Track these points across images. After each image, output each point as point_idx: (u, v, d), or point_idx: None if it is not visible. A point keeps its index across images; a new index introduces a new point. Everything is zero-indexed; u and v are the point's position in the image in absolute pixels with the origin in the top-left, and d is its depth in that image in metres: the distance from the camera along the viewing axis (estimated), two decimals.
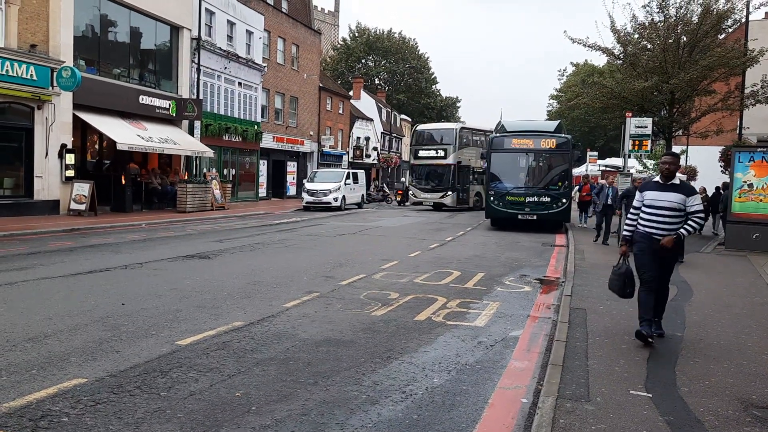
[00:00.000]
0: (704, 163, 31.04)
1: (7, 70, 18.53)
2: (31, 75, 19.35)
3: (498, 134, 22.53)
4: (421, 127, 36.71)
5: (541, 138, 21.42)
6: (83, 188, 20.78)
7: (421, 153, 33.47)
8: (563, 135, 21.96)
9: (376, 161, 58.42)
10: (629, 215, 6.95)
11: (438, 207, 33.06)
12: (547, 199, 20.77)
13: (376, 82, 72.84)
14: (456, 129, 33.14)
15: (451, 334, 6.88)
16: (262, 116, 36.23)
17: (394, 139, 67.07)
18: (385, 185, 50.81)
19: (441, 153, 32.60)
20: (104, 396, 4.63)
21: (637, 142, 20.61)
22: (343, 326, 7.06)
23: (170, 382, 5.00)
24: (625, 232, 6.95)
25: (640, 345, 6.34)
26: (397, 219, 25.97)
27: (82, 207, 20.52)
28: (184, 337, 6.29)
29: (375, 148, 58.93)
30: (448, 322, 7.43)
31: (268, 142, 37.00)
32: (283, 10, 40.57)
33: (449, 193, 32.08)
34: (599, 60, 77.52)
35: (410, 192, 34.05)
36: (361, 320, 7.38)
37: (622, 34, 22.68)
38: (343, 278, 10.33)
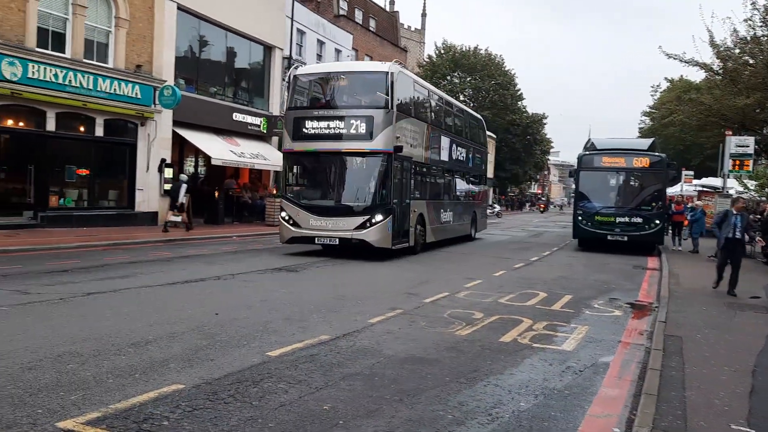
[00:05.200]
0: None
1: (115, 89, 19.85)
2: (136, 93, 20.61)
3: (587, 152, 21.97)
4: (310, 68, 19.10)
5: (633, 156, 20.71)
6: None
7: (311, 127, 15.45)
8: (657, 153, 21.15)
9: None
10: None
11: (348, 247, 15.38)
12: (639, 220, 20.01)
13: (461, 98, 72.77)
14: (389, 73, 15.09)
15: (537, 357, 6.75)
16: None
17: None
18: None
19: (358, 127, 15.06)
20: (200, 402, 4.84)
21: (737, 162, 19.58)
22: (428, 344, 7.06)
23: (261, 392, 5.17)
24: None
25: (742, 377, 6.00)
26: (481, 236, 25.72)
27: (179, 219, 21.51)
28: (274, 349, 6.47)
29: None
30: (535, 345, 7.29)
31: None
32: (371, 29, 41.39)
33: (376, 217, 14.75)
34: (696, 75, 74.20)
35: (284, 216, 15.61)
36: (445, 339, 7.37)
37: (721, 48, 21.70)
38: (426, 296, 10.33)
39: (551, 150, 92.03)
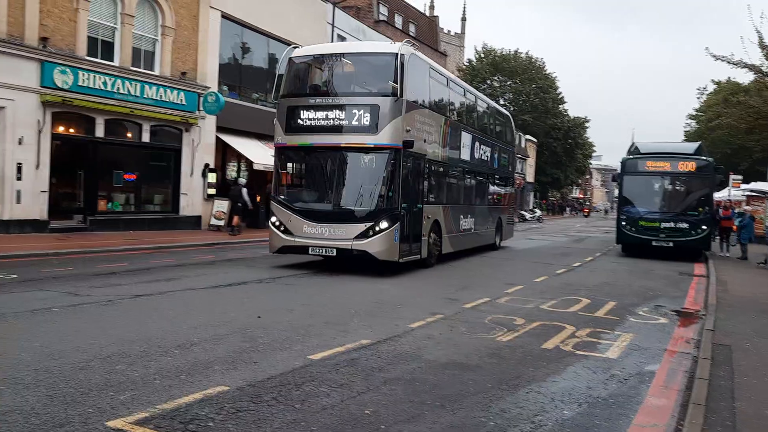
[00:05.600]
0: None
1: (161, 96, 20.34)
2: (181, 100, 21.08)
3: (631, 156, 21.55)
4: (307, 48, 15.12)
5: (679, 160, 20.26)
6: (222, 205, 22.24)
7: (306, 118, 13.49)
8: (704, 157, 20.65)
9: None
10: None
11: (346, 258, 13.18)
12: (685, 225, 19.55)
13: (501, 102, 72.28)
14: (399, 55, 12.99)
15: (581, 365, 6.66)
16: None
17: (518, 160, 66.10)
18: None
19: (361, 118, 13.06)
20: (244, 404, 4.92)
21: None
22: (469, 350, 7.03)
23: (303, 395, 5.22)
24: None
25: None
26: (520, 242, 25.48)
27: (221, 223, 21.92)
28: (316, 352, 6.53)
29: None
30: (578, 352, 7.18)
31: None
32: (411, 34, 41.41)
33: (381, 224, 12.71)
34: (744, 77, 72.12)
35: (274, 221, 13.67)
36: (486, 345, 7.32)
37: None
38: (466, 301, 10.29)
39: (593, 154, 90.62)
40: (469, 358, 6.70)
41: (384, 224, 12.59)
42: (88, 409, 4.63)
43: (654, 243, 19.86)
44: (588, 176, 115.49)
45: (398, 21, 46.42)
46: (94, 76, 18.40)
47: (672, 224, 19.72)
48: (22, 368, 5.52)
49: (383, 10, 45.56)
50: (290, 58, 14.22)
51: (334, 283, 11.78)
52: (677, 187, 20.60)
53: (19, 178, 16.90)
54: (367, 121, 12.86)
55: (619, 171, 21.66)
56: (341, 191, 13.34)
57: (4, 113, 16.55)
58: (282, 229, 13.34)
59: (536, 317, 9.13)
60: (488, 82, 71.22)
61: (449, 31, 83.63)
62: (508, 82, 72.54)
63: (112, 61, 19.27)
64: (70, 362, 5.78)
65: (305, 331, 7.52)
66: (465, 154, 17.72)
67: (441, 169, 15.84)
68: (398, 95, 12.73)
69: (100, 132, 19.02)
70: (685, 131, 72.93)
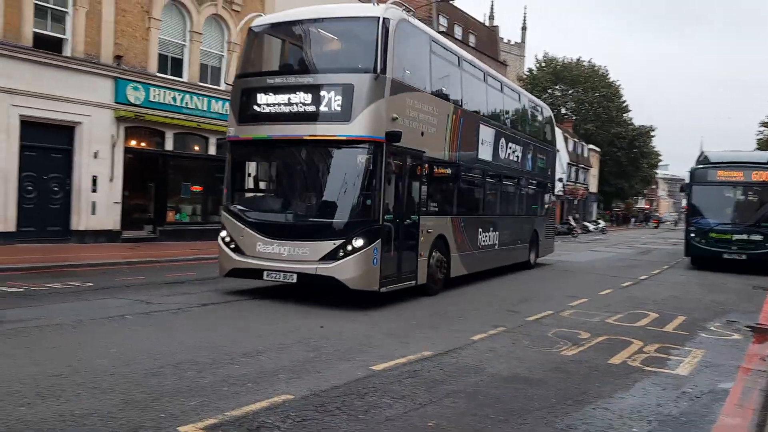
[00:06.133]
0: None
1: (226, 110, 20.82)
2: None
3: (700, 165, 20.82)
4: (271, 17, 12.11)
5: (753, 170, 19.45)
6: None
7: (263, 103, 10.50)
8: None
9: (561, 192, 56.77)
10: None
11: (311, 285, 10.38)
12: (759, 238, 18.73)
13: (563, 111, 71.09)
14: (382, 20, 9.83)
15: (649, 381, 6.46)
16: None
17: (580, 170, 64.77)
18: (570, 218, 49.14)
19: (330, 102, 9.94)
20: (309, 413, 4.99)
21: None
22: (532, 364, 6.93)
23: (367, 405, 5.26)
24: None
25: None
26: (583, 254, 24.95)
27: None
28: (378, 363, 6.57)
29: (560, 179, 57.30)
30: (646, 368, 6.98)
31: None
32: (470, 45, 41.34)
33: (355, 242, 9.62)
34: None
35: (224, 236, 10.61)
36: (550, 359, 7.20)
37: None
38: (528, 314, 10.15)
39: (659, 163, 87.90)
40: (533, 372, 6.61)
41: (358, 242, 9.50)
42: (160, 414, 4.80)
43: (725, 256, 19.10)
44: (654, 186, 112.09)
45: (458, 32, 46.41)
46: (165, 92, 19.17)
47: (745, 236, 18.93)
48: (100, 373, 5.77)
49: (443, 21, 45.69)
50: (250, 29, 11.33)
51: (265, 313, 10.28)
52: (750, 198, 19.78)
53: (94, 191, 17.74)
54: (338, 105, 9.72)
55: (687, 181, 20.96)
56: (305, 199, 10.55)
57: (81, 128, 17.44)
58: (233, 246, 10.37)
59: (602, 331, 8.93)
60: (549, 91, 70.25)
61: (509, 40, 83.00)
62: (570, 91, 71.34)
63: (180, 76, 20.04)
64: (143, 368, 6.00)
65: (367, 342, 7.59)
66: (485, 153, 14.48)
67: (449, 172, 12.87)
68: (378, 71, 9.60)
69: (169, 145, 19.77)
70: (758, 139, 69.93)
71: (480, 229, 14.25)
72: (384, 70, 9.75)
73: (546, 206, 19.88)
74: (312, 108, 9.94)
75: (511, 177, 16.76)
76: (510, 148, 16.11)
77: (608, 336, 8.61)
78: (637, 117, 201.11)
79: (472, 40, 41.78)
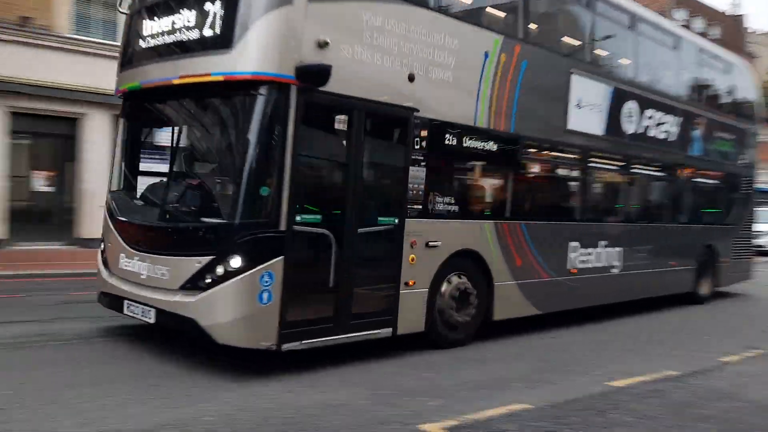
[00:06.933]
0: None
1: None
2: None
3: None
4: None
5: None
6: None
7: (146, 35, 6.73)
8: None
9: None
10: None
11: (168, 327, 6.37)
12: None
13: None
14: None
15: None
16: None
17: None
18: None
19: (213, 23, 5.89)
20: (546, 424, 4.94)
21: None
22: None
23: (607, 423, 5.06)
24: None
25: None
26: None
27: None
28: (616, 379, 6.29)
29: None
30: None
31: None
32: (709, 36, 37.75)
33: (232, 261, 5.53)
34: None
35: (101, 243, 7.22)
36: None
37: None
38: None
39: None
40: None
41: (235, 260, 5.60)
42: (404, 411, 5.11)
43: None
44: None
45: (696, 24, 42.59)
46: None
47: None
48: None
49: (683, 14, 42.38)
50: None
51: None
52: None
53: None
54: (216, 24, 5.92)
55: None
56: (173, 186, 6.62)
57: None
58: (104, 258, 7.13)
59: None
60: None
61: (756, 30, 73.99)
62: None
63: None
64: None
65: (600, 356, 7.31)
66: (587, 123, 9.24)
67: (488, 147, 7.77)
68: None
69: None
70: None
71: (575, 243, 9.17)
72: None
73: (735, 212, 13.43)
74: (187, 35, 6.23)
75: (653, 164, 11.12)
76: (649, 117, 10.43)
77: None
78: None
79: (715, 32, 38.03)
